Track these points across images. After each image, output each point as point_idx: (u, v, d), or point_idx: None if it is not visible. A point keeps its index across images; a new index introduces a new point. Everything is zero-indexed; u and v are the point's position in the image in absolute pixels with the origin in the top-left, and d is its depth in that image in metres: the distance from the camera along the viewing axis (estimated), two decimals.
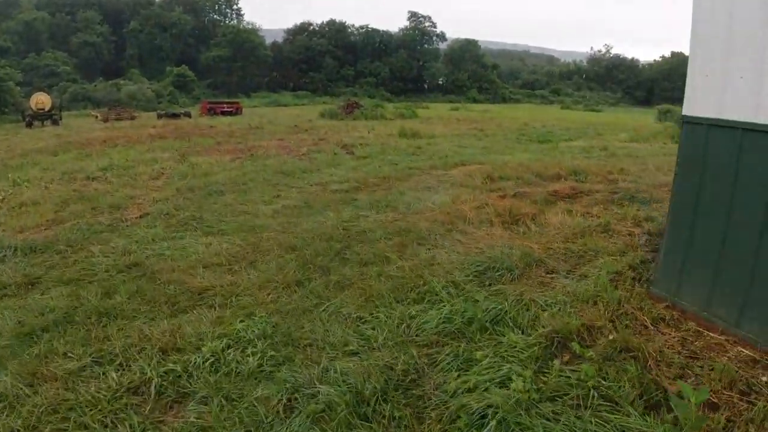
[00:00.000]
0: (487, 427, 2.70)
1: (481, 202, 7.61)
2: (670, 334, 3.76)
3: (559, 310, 3.99)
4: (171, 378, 3.31)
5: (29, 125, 25.40)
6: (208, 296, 4.65)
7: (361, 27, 72.19)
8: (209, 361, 3.47)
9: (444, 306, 4.12)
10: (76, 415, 2.93)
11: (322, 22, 71.07)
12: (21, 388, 3.17)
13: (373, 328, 3.89)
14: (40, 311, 4.30)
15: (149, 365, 3.40)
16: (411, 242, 5.93)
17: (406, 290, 4.55)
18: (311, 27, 70.50)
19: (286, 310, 4.32)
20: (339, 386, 3.09)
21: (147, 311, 4.35)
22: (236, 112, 33.99)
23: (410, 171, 11.10)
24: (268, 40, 67.93)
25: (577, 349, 3.39)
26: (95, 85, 46.17)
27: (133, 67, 56.02)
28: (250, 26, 68.29)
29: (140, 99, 42.56)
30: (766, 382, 3.15)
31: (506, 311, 3.94)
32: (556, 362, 3.23)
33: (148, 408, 3.04)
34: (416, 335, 3.78)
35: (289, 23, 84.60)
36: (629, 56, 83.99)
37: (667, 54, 78.72)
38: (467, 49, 72.10)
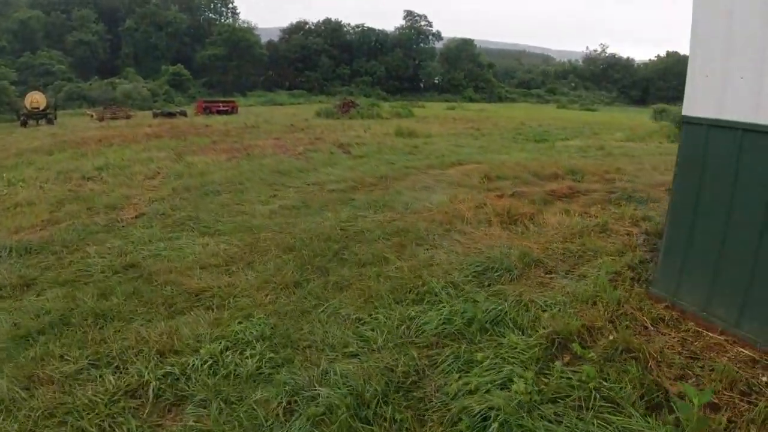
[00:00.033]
0: (489, 430, 2.68)
1: (478, 201, 7.60)
2: (669, 335, 3.76)
3: (559, 310, 3.97)
4: (169, 381, 3.28)
5: (24, 124, 25.28)
6: (206, 297, 4.61)
7: (357, 26, 72.28)
8: (207, 363, 3.44)
9: (444, 307, 4.10)
10: (73, 419, 2.90)
11: (318, 20, 71.16)
12: (17, 392, 3.13)
13: (373, 330, 3.86)
14: (35, 313, 4.26)
15: (147, 368, 3.37)
16: (409, 242, 5.90)
17: (405, 291, 4.53)
18: (307, 26, 70.39)
19: (284, 311, 4.29)
20: (339, 388, 3.07)
21: (144, 313, 4.31)
22: (232, 111, 33.91)
23: (407, 170, 11.07)
24: (264, 39, 67.75)
25: (577, 350, 3.39)
26: (90, 84, 45.93)
27: (128, 65, 55.79)
28: (245, 25, 68.18)
29: (136, 98, 42.36)
30: (766, 383, 3.15)
31: (506, 312, 3.92)
32: (557, 363, 3.22)
33: (146, 411, 3.01)
34: (416, 336, 3.76)
35: (285, 22, 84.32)
36: (625, 56, 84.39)
37: (663, 53, 79.17)
38: (463, 48, 72.13)
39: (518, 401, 2.82)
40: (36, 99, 26.91)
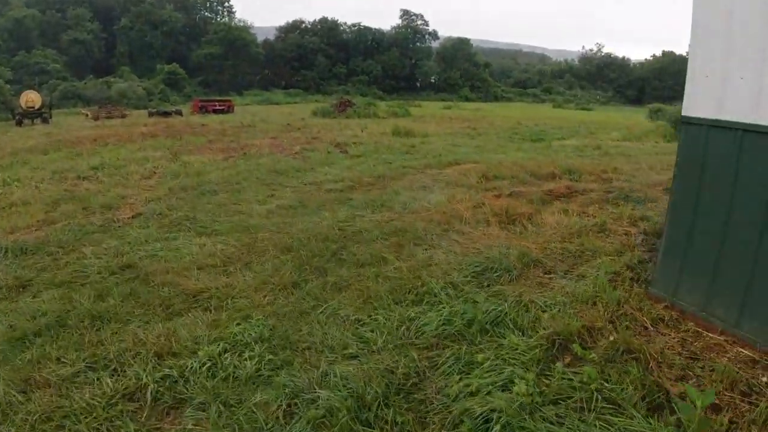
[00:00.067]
0: None
1: (476, 201, 7.59)
2: (669, 335, 3.75)
3: (559, 311, 3.96)
4: (167, 383, 3.25)
5: (19, 123, 25.11)
6: (203, 298, 4.58)
7: (354, 25, 72.17)
8: (206, 365, 3.41)
9: (443, 307, 4.08)
10: (70, 423, 2.86)
11: (314, 19, 71.02)
12: (14, 395, 3.09)
13: (372, 331, 3.84)
14: (31, 315, 4.21)
15: (144, 370, 3.34)
16: (408, 242, 5.88)
17: (405, 291, 4.50)
18: (303, 25, 70.25)
19: (283, 312, 4.26)
20: (339, 391, 3.04)
21: (141, 314, 4.27)
22: (228, 110, 33.81)
23: (405, 170, 11.05)
24: (260, 38, 67.60)
25: (578, 350, 3.38)
26: (85, 83, 45.63)
27: (123, 64, 55.48)
28: (241, 24, 68.06)
29: (131, 97, 42.13)
30: (766, 383, 3.14)
31: (506, 313, 3.90)
32: (558, 364, 3.20)
33: (144, 415, 2.98)
34: (416, 337, 3.74)
35: (281, 21, 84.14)
36: (620, 55, 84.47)
37: (659, 53, 79.36)
38: (459, 47, 72.20)
39: (520, 403, 2.80)
40: (31, 98, 26.71)
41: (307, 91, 60.40)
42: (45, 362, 3.49)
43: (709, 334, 3.73)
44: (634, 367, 3.18)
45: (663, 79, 68.89)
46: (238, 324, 4.00)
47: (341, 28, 71.39)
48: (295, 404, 3.01)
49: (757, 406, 2.87)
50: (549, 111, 45.66)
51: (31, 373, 3.35)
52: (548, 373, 3.16)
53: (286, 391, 3.10)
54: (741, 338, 3.60)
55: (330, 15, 73.04)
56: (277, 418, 2.90)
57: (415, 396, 3.08)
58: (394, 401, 3.00)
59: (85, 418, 2.91)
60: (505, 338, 3.58)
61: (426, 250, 5.66)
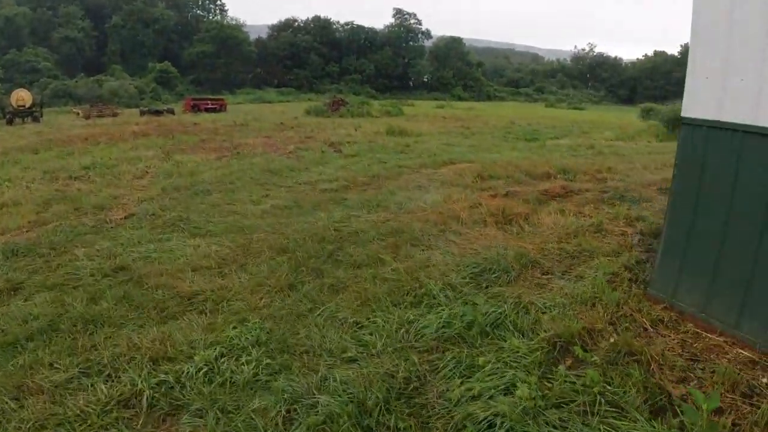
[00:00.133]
0: None
1: (473, 201, 7.57)
2: (669, 336, 3.74)
3: (559, 312, 3.94)
4: (163, 389, 3.18)
5: (10, 122, 24.79)
6: (198, 301, 4.51)
7: (347, 23, 72.06)
8: (202, 370, 3.34)
9: (442, 310, 4.04)
10: (64, 430, 2.80)
11: (307, 18, 70.81)
12: (6, 402, 3.02)
13: (371, 334, 3.80)
14: (23, 319, 4.12)
15: (140, 376, 3.27)
16: (404, 243, 5.84)
17: (403, 293, 4.46)
18: (296, 23, 70.04)
19: (279, 315, 4.20)
20: (339, 396, 2.99)
21: (135, 318, 4.19)
22: (220, 108, 33.61)
23: (400, 169, 11.02)
24: (252, 36, 67.26)
25: (579, 353, 3.35)
26: (76, 82, 45.20)
27: (115, 63, 55.05)
28: (233, 22, 67.65)
29: (122, 95, 41.82)
30: (767, 384, 3.14)
31: (506, 315, 3.88)
32: (561, 367, 3.18)
33: (140, 422, 2.91)
34: (416, 340, 3.70)
35: (274, 19, 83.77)
36: (612, 54, 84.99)
37: (650, 53, 79.86)
38: (452, 46, 72.28)
39: (523, 407, 2.77)
40: (22, 97, 26.41)
41: (300, 90, 60.26)
42: (38, 368, 3.41)
43: (709, 335, 3.72)
44: (636, 369, 3.16)
45: (655, 78, 69.39)
46: (235, 327, 3.93)
47: (334, 26, 71.27)
48: (295, 410, 2.96)
49: (759, 408, 2.87)
50: (542, 110, 45.82)
51: (24, 379, 3.27)
52: (550, 376, 3.13)
53: (285, 396, 3.05)
54: (740, 339, 3.59)
55: (322, 13, 72.93)
56: (277, 424, 2.85)
57: (417, 401, 3.04)
58: (396, 406, 2.95)
59: (80, 425, 2.84)
60: (505, 341, 3.55)
61: (423, 251, 5.62)
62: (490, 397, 2.92)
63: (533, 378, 3.05)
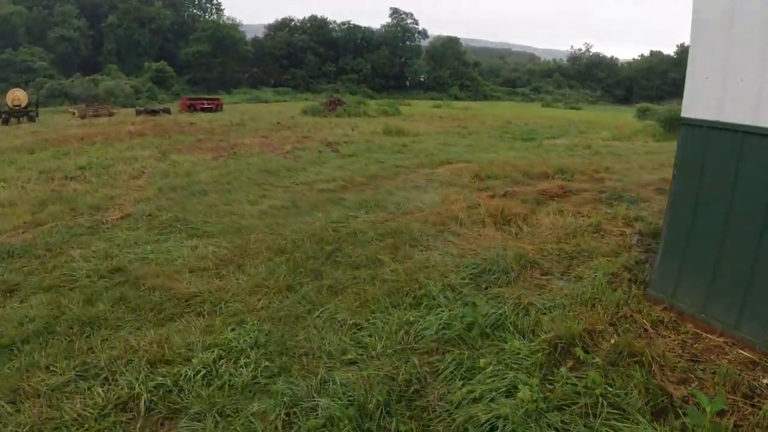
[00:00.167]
0: None
1: (471, 201, 7.55)
2: (669, 337, 3.74)
3: (560, 314, 3.92)
4: (161, 393, 3.15)
5: (5, 122, 24.61)
6: (196, 303, 4.47)
7: (343, 23, 71.84)
8: (201, 373, 3.31)
9: (442, 311, 4.02)
10: None
11: (304, 17, 70.64)
12: (3, 406, 2.98)
13: (371, 335, 3.77)
14: (19, 321, 4.08)
15: (137, 379, 3.23)
16: (403, 244, 5.82)
17: (402, 294, 4.44)
18: (292, 23, 69.86)
19: (278, 316, 4.17)
20: (339, 399, 2.97)
21: (132, 320, 4.16)
22: (217, 108, 33.47)
23: (397, 169, 10.99)
24: (249, 36, 67.07)
25: (580, 354, 3.34)
26: (72, 81, 44.89)
27: (110, 62, 54.69)
28: (230, 21, 67.33)
29: (118, 95, 41.56)
30: (767, 385, 3.13)
31: (506, 316, 3.86)
32: (562, 369, 3.16)
33: (137, 426, 2.88)
34: (416, 342, 3.68)
35: (270, 19, 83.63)
36: (609, 54, 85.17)
37: (646, 53, 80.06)
38: (449, 46, 72.25)
39: (525, 410, 2.75)
40: (17, 96, 26.22)
41: (297, 90, 60.09)
42: (34, 371, 3.37)
43: (709, 336, 3.72)
44: (637, 370, 3.15)
45: (651, 78, 69.53)
46: (233, 329, 3.91)
47: (331, 26, 71.11)
48: (294, 413, 2.93)
49: (761, 409, 2.86)
50: (538, 110, 45.85)
51: (20, 382, 3.23)
52: (552, 378, 3.11)
53: (285, 399, 3.02)
54: (741, 340, 3.59)
55: (320, 13, 72.81)
56: (276, 428, 2.82)
57: (418, 403, 3.01)
58: (396, 409, 2.93)
59: (77, 429, 2.81)
60: (506, 342, 3.53)
61: (422, 251, 5.60)
62: (492, 400, 2.90)
63: (535, 380, 3.03)
